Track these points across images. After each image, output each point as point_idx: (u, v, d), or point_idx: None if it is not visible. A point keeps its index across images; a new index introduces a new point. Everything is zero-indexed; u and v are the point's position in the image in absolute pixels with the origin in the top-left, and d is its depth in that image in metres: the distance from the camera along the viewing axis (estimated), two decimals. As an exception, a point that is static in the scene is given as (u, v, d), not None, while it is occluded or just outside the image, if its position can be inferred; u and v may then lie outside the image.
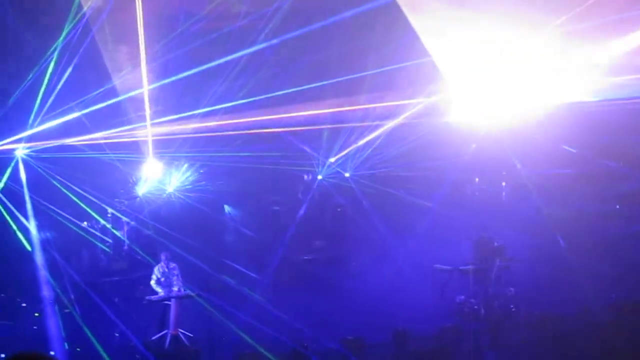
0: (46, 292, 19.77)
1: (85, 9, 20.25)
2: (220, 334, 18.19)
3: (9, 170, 21.22)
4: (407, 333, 18.08)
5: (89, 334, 17.88)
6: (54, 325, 18.57)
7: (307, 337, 17.51)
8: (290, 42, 22.02)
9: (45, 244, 21.33)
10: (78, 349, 17.52)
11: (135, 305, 19.71)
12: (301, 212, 27.07)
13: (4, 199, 21.12)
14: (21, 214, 21.35)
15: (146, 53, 21.59)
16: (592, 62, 20.40)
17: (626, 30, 19.32)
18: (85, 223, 23.28)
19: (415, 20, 21.39)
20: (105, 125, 21.80)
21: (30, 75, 20.01)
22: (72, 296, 20.42)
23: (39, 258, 20.75)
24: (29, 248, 20.86)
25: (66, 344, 17.52)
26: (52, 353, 17.19)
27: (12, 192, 21.40)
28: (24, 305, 20.38)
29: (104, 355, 16.95)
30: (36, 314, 19.62)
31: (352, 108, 24.99)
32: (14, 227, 21.07)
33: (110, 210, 23.45)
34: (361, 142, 26.67)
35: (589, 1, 18.67)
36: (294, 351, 16.87)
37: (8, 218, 21.05)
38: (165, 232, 23.28)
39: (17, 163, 21.49)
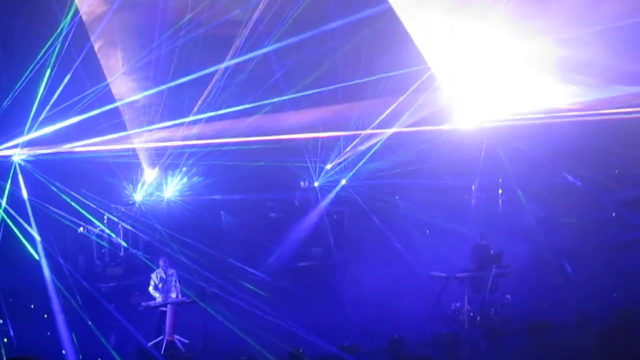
0: (56, 305, 19.80)
1: (77, 6, 20.25)
2: (216, 340, 18.16)
3: (9, 182, 21.24)
4: (403, 340, 18.07)
5: (102, 340, 18.09)
6: (64, 329, 18.65)
7: (304, 344, 17.48)
8: (286, 49, 22.08)
9: (46, 249, 21.35)
10: None
11: (132, 312, 19.71)
12: (298, 219, 27.12)
13: (8, 208, 21.12)
14: (23, 219, 21.36)
15: (141, 59, 21.67)
16: (590, 70, 20.49)
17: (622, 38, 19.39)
18: (81, 229, 23.24)
19: (413, 29, 21.47)
20: (102, 131, 21.83)
21: (20, 81, 20.02)
22: (80, 301, 20.53)
23: (43, 263, 20.78)
24: (36, 256, 20.86)
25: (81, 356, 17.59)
26: (63, 352, 17.43)
27: (12, 198, 21.42)
28: (32, 306, 20.42)
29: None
30: (45, 315, 19.66)
31: (349, 115, 25.06)
32: (17, 231, 21.08)
33: (106, 215, 23.43)
34: (349, 149, 26.71)
35: (584, 9, 18.74)
36: (289, 357, 16.86)
37: (10, 222, 21.05)
38: (162, 238, 23.32)
39: (15, 169, 21.52)
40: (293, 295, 22.57)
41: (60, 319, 19.07)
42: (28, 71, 20.03)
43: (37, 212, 21.64)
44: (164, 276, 18.28)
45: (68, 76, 20.23)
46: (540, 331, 18.78)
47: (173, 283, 18.32)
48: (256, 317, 19.38)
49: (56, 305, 19.67)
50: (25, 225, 21.19)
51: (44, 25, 20.32)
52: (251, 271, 23.18)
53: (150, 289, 18.29)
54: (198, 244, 22.88)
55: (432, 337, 18.42)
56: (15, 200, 21.38)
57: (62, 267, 21.41)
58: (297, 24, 21.79)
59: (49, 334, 18.81)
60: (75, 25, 20.22)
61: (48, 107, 20.48)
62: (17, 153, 21.38)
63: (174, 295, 18.20)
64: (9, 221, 20.93)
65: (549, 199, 27.51)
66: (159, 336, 17.88)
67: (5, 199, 20.89)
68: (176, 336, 17.83)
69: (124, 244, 23.57)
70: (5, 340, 18.11)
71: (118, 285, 22.27)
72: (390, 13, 21.39)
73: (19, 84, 20.04)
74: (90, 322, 19.15)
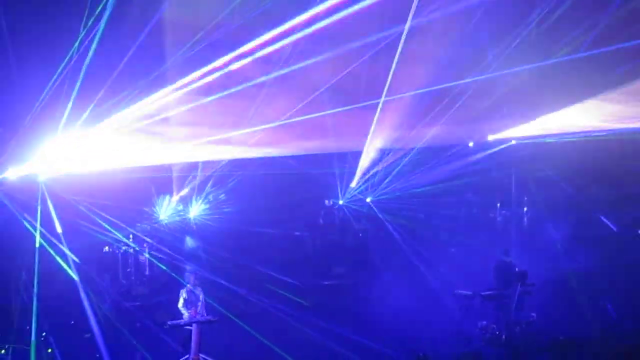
0: (93, 324, 19.96)
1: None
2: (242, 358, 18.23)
3: (39, 202, 21.36)
4: (428, 358, 18.02)
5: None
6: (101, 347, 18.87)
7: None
8: (311, 66, 22.14)
9: (81, 269, 21.51)
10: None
11: (158, 330, 19.81)
12: (323, 237, 27.20)
13: (42, 230, 21.27)
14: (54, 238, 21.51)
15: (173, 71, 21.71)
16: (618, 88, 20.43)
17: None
18: (106, 247, 23.37)
19: (439, 44, 21.48)
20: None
21: (43, 96, 20.09)
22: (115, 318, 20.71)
23: (79, 283, 20.92)
24: (75, 277, 20.98)
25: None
26: None
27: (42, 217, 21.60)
28: (72, 322, 20.57)
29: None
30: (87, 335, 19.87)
31: (372, 133, 25.08)
32: (50, 250, 21.20)
33: (132, 233, 23.53)
34: (373, 166, 26.75)
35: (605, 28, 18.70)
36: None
37: (44, 243, 21.18)
38: (187, 256, 23.44)
39: (40, 188, 21.65)
40: (317, 313, 22.58)
41: (97, 334, 19.28)
42: (49, 85, 20.11)
43: (64, 230, 21.81)
44: (192, 293, 18.40)
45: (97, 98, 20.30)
46: (566, 349, 18.67)
47: (200, 301, 18.44)
48: (282, 335, 19.43)
49: (93, 324, 19.83)
50: (59, 244, 21.32)
51: (65, 37, 20.38)
52: (284, 278, 23.22)
53: (180, 305, 18.38)
54: (219, 266, 23.00)
55: (457, 355, 18.38)
56: (45, 220, 21.53)
57: (97, 286, 21.58)
58: (323, 40, 21.85)
59: (97, 356, 18.97)
60: (97, 37, 20.20)
61: (76, 124, 20.55)
62: (42, 172, 21.50)
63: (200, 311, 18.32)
64: (42, 241, 21.06)
65: (573, 216, 27.44)
66: (185, 355, 17.95)
67: (38, 219, 21.01)
68: (202, 355, 17.88)
69: (161, 266, 23.63)
70: (50, 350, 18.29)
71: (143, 304, 22.35)
72: (416, 29, 21.44)
73: (41, 98, 20.14)
74: (120, 341, 19.31)
